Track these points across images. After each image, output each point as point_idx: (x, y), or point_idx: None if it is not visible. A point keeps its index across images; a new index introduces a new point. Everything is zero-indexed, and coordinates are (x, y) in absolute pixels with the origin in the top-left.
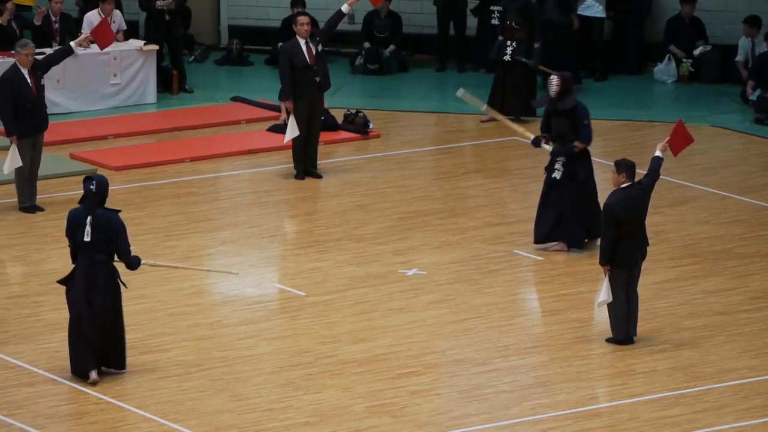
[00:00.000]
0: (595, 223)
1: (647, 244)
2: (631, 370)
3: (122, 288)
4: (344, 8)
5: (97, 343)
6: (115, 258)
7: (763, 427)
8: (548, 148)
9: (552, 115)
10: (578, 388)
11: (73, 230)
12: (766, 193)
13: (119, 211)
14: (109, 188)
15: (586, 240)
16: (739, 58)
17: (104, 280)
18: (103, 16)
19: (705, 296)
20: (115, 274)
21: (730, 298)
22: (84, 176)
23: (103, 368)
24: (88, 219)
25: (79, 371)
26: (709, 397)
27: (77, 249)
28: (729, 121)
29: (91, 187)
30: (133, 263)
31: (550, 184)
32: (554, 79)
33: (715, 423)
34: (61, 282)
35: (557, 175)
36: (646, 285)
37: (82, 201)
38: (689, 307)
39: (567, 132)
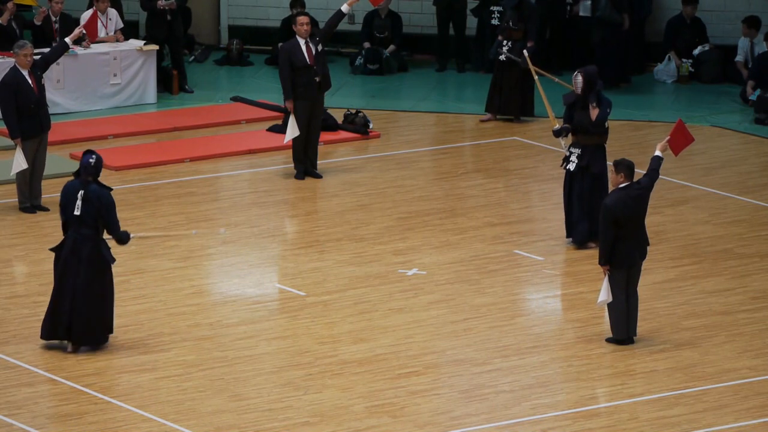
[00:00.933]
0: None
1: (647, 244)
2: (631, 370)
3: (113, 266)
4: (344, 8)
5: (73, 315)
6: (106, 234)
7: (763, 427)
8: (563, 144)
9: (575, 109)
10: (578, 388)
11: (66, 202)
12: (766, 193)
13: (111, 189)
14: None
15: (590, 243)
16: (738, 58)
17: (89, 255)
18: (98, 13)
19: (705, 296)
20: (101, 248)
21: (730, 298)
22: (84, 150)
23: (74, 344)
24: (80, 193)
25: (48, 336)
26: (709, 397)
27: (68, 222)
28: (729, 121)
29: (91, 160)
30: (123, 238)
31: (569, 178)
32: (578, 76)
33: (715, 423)
34: (52, 249)
35: (571, 166)
36: (646, 285)
37: (76, 174)
38: (689, 307)
39: (588, 126)
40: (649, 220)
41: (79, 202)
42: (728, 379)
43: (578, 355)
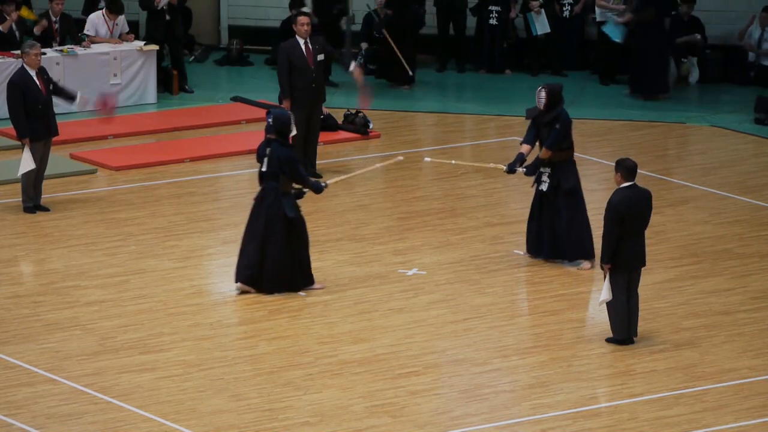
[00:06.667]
0: (584, 239)
1: (644, 253)
2: (631, 370)
3: (296, 218)
4: (351, 67)
5: (252, 260)
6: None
7: (763, 427)
8: (522, 170)
9: (539, 125)
10: (578, 388)
11: (259, 157)
12: (766, 193)
13: (292, 147)
14: (291, 124)
15: (581, 261)
16: (746, 40)
17: (270, 205)
18: (106, 18)
19: (705, 296)
20: (281, 201)
21: (730, 298)
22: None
23: (256, 289)
24: (267, 150)
25: (236, 278)
26: (708, 397)
27: (260, 175)
28: (729, 121)
29: (269, 120)
30: (316, 188)
31: (539, 197)
32: (542, 92)
33: (715, 423)
34: (255, 198)
35: (544, 187)
36: (646, 285)
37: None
38: (689, 307)
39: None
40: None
41: (265, 159)
42: (728, 379)
43: (578, 355)
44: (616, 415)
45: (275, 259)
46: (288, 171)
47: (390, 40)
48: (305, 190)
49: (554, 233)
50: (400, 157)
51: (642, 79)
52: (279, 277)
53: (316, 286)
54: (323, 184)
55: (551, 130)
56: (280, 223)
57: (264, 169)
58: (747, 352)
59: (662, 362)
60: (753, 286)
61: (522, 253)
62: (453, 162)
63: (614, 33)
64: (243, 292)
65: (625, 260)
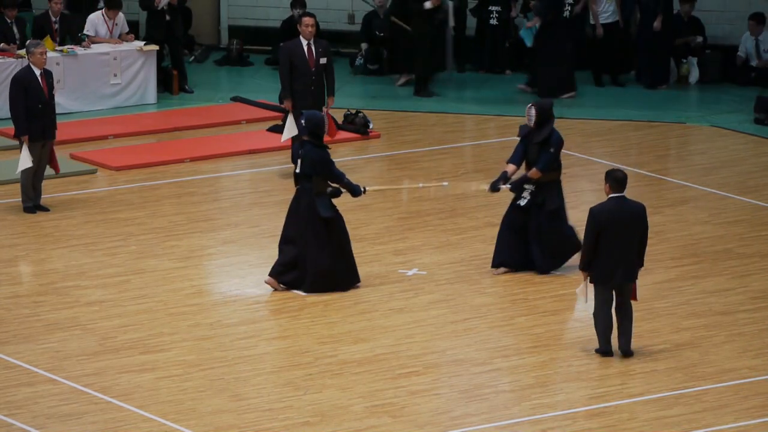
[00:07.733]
0: (565, 249)
1: (639, 266)
2: (631, 370)
3: (331, 219)
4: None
5: (287, 259)
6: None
7: (763, 427)
8: (506, 187)
9: (528, 143)
10: (578, 388)
11: (293, 159)
12: (766, 193)
13: (328, 147)
14: (324, 125)
15: (557, 267)
16: (740, 53)
17: (305, 206)
18: (105, 18)
19: (705, 296)
20: (315, 202)
21: (730, 298)
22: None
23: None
24: (300, 152)
25: (270, 273)
26: (708, 397)
27: (295, 177)
28: (729, 121)
29: (302, 121)
30: (353, 189)
31: (517, 211)
32: (532, 109)
33: (715, 423)
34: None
35: (522, 202)
36: (646, 285)
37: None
38: (689, 307)
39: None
40: (649, 221)
41: (299, 160)
42: (728, 379)
43: (578, 355)
44: (616, 415)
45: (317, 262)
46: (322, 172)
47: (402, 23)
48: (342, 189)
49: (528, 247)
50: (445, 183)
51: (541, 78)
52: (324, 279)
53: (360, 284)
54: (362, 189)
55: (542, 152)
56: (318, 225)
57: (298, 170)
58: (747, 352)
59: (662, 362)
60: (753, 286)
61: (496, 271)
62: (420, 185)
63: (527, 37)
64: (273, 288)
65: (606, 273)
